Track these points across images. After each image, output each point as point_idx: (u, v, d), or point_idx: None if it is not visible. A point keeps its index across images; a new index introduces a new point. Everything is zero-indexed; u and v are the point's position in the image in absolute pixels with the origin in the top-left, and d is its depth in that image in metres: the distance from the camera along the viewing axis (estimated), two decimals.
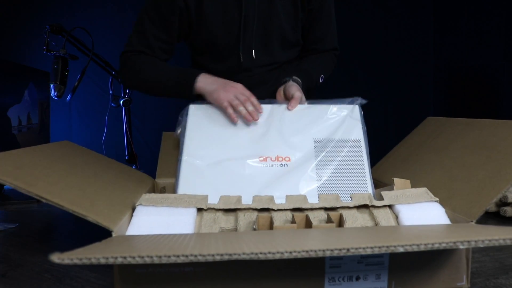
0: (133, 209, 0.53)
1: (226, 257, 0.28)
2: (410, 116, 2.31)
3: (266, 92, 0.99)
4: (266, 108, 0.74)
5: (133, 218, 0.51)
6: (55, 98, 1.19)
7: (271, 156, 0.67)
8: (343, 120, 0.72)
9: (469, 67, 2.16)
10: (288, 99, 0.78)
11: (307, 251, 0.27)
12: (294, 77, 0.87)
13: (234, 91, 0.74)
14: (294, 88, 0.79)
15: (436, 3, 2.35)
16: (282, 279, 0.40)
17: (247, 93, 0.75)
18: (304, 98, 0.77)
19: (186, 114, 0.75)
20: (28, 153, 0.54)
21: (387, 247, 0.27)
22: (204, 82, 0.78)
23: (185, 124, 0.73)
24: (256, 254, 0.28)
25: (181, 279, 0.39)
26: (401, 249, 0.28)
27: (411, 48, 2.36)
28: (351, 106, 0.74)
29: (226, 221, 0.52)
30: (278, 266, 0.40)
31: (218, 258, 0.28)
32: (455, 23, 2.23)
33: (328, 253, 0.27)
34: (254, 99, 0.74)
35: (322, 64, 1.00)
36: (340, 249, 0.27)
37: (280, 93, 0.84)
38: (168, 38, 0.91)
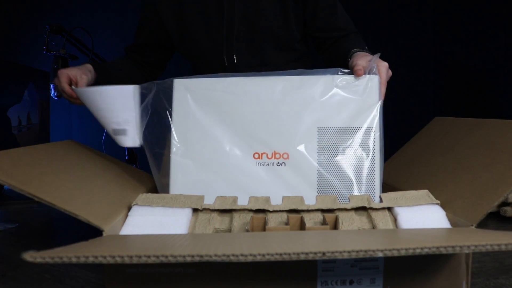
0: (130, 209, 0.53)
1: (215, 258, 0.28)
2: (410, 116, 2.32)
3: None
4: (267, 83, 0.61)
5: (128, 218, 0.51)
6: (55, 98, 1.20)
7: (267, 152, 0.59)
8: (356, 99, 0.59)
9: (469, 67, 2.15)
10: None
11: (280, 254, 0.26)
12: (353, 50, 0.74)
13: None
14: (354, 58, 0.66)
15: (436, 3, 2.35)
16: (273, 281, 0.39)
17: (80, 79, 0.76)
18: (367, 59, 0.62)
19: (159, 91, 0.63)
20: (27, 152, 0.54)
21: (365, 251, 0.26)
22: None
23: (164, 104, 0.63)
24: (246, 256, 0.28)
25: (171, 280, 0.39)
26: (380, 254, 0.27)
27: (411, 48, 2.36)
28: (366, 78, 0.59)
29: (220, 222, 0.52)
30: (269, 268, 0.39)
31: (207, 259, 0.28)
32: (455, 23, 2.22)
33: (303, 257, 0.26)
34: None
35: (359, 40, 0.88)
36: (315, 253, 0.26)
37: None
38: (145, 44, 0.99)
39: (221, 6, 0.88)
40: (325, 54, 0.95)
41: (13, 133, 1.17)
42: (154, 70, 1.02)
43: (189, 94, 0.62)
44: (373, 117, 0.59)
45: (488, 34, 2.00)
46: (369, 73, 0.60)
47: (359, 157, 0.58)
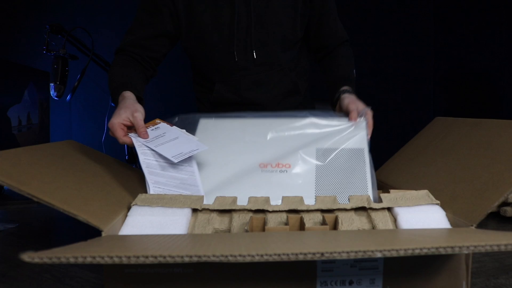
0: (129, 209, 0.53)
1: (213, 259, 0.28)
2: (410, 116, 2.32)
3: (265, 94, 0.98)
4: (271, 123, 0.74)
5: (127, 218, 0.51)
6: (55, 98, 1.20)
7: (272, 163, 0.67)
8: (348, 132, 0.72)
9: (469, 67, 2.15)
10: (344, 112, 0.79)
11: (279, 255, 0.26)
12: (344, 88, 0.87)
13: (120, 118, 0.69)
14: (347, 101, 0.80)
15: (436, 3, 2.34)
16: (272, 282, 0.39)
17: (135, 121, 0.69)
18: (360, 106, 0.77)
19: (181, 121, 0.75)
20: (27, 152, 0.54)
21: (364, 251, 0.26)
22: (119, 102, 0.77)
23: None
24: (244, 256, 0.28)
25: (170, 280, 0.39)
26: (378, 254, 0.27)
27: (411, 48, 2.36)
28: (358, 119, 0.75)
29: (220, 222, 0.52)
30: (269, 269, 0.39)
31: (205, 259, 0.28)
32: (455, 23, 2.22)
33: (301, 257, 0.26)
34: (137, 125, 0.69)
35: (349, 60, 0.99)
36: (314, 253, 0.26)
37: (338, 109, 0.86)
38: (152, 37, 0.92)
39: (231, 1, 0.88)
40: (318, 62, 1.04)
41: (13, 133, 1.17)
42: (154, 65, 0.97)
43: (212, 128, 0.75)
44: (362, 140, 0.70)
45: (488, 34, 1.99)
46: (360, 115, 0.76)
47: (353, 172, 0.66)
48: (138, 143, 0.67)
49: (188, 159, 0.67)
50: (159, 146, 0.67)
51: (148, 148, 0.67)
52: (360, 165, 0.66)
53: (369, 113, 0.75)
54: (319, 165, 0.66)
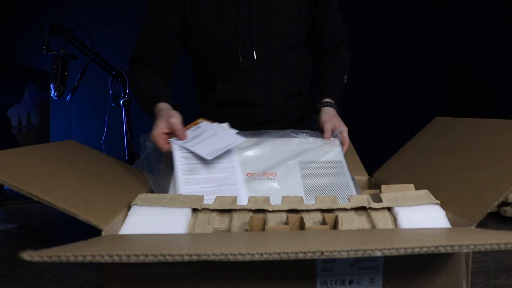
0: (129, 209, 0.53)
1: (213, 257, 0.28)
2: (410, 116, 2.32)
3: (266, 95, 0.98)
4: (253, 142, 0.77)
5: (127, 217, 0.51)
6: (55, 98, 1.20)
7: (258, 172, 0.70)
8: (325, 148, 0.78)
9: (469, 67, 2.15)
10: (321, 130, 0.84)
11: (279, 253, 0.26)
12: (326, 100, 0.91)
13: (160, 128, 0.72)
14: (324, 117, 0.84)
15: (436, 3, 2.34)
16: (272, 281, 0.39)
17: (172, 126, 0.72)
18: (336, 124, 0.82)
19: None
20: (27, 152, 0.54)
21: (364, 250, 0.26)
22: (156, 114, 0.79)
23: (160, 157, 0.73)
24: (244, 255, 0.28)
25: (170, 280, 0.39)
26: (378, 253, 0.27)
27: (411, 48, 2.36)
28: (331, 140, 0.82)
29: (220, 222, 0.52)
30: (269, 268, 0.39)
31: (205, 258, 0.28)
32: (456, 23, 2.22)
33: (301, 256, 0.26)
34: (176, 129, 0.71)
35: (342, 65, 1.01)
36: (314, 252, 0.26)
37: (318, 119, 0.89)
38: (165, 41, 0.93)
39: (236, 1, 0.88)
40: (317, 59, 1.06)
41: (13, 133, 1.17)
42: (171, 67, 0.97)
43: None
44: (339, 154, 0.76)
45: (488, 34, 1.99)
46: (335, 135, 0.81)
47: (336, 179, 0.70)
48: (176, 146, 0.69)
49: (228, 155, 0.69)
50: (196, 145, 0.69)
51: (186, 151, 0.69)
52: (341, 173, 0.71)
53: (345, 130, 0.80)
54: (304, 173, 0.70)
